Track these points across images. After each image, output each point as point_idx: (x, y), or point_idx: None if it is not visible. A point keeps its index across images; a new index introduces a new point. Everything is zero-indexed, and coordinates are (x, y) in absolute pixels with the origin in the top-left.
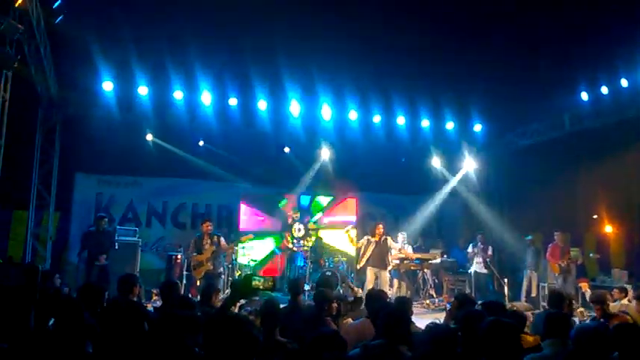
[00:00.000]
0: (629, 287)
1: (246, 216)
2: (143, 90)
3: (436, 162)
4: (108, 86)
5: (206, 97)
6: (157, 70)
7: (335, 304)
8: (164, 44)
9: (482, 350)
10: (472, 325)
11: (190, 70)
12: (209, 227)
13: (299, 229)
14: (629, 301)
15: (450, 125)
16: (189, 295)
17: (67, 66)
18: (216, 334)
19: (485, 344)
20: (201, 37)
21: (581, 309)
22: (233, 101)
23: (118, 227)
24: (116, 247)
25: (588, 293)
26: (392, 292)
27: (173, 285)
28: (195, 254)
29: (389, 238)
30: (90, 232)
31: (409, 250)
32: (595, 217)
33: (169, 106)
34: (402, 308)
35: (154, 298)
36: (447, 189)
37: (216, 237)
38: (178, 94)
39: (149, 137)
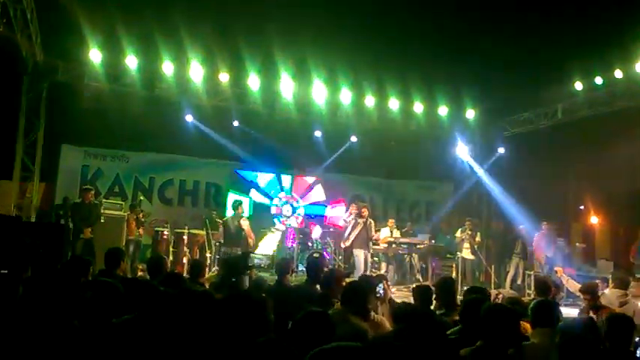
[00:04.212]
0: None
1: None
2: (132, 60)
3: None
4: (96, 55)
5: (196, 71)
6: (146, 41)
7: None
8: (153, 14)
9: (481, 335)
10: (472, 310)
11: (180, 42)
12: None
13: (287, 210)
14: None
15: (442, 110)
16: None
17: (54, 33)
18: (230, 313)
19: (484, 328)
20: (191, 9)
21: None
22: (224, 76)
23: (105, 201)
24: (102, 221)
25: (565, 279)
26: None
27: (161, 260)
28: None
29: (373, 222)
30: (75, 203)
31: (396, 234)
32: (582, 207)
33: (158, 79)
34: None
35: (140, 273)
36: None
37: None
38: (168, 66)
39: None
